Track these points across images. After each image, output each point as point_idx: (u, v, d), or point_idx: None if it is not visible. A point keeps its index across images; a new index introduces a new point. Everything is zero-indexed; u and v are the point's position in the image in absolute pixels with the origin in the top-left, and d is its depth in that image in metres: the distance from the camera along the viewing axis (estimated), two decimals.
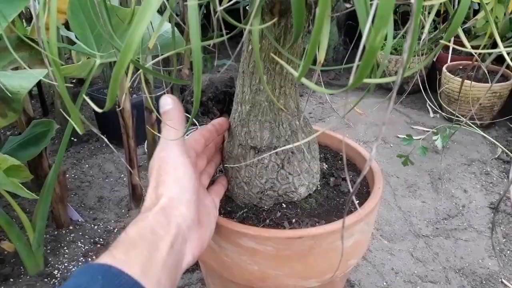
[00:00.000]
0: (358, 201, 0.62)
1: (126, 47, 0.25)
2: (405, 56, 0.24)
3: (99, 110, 0.30)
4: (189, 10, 0.27)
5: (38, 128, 0.92)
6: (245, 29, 0.33)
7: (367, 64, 0.24)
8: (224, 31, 0.39)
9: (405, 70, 0.28)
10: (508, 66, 1.97)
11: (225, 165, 0.61)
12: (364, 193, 0.65)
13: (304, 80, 0.30)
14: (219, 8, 0.27)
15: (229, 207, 0.60)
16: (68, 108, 0.32)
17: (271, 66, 0.52)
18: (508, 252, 1.05)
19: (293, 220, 0.56)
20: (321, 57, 0.38)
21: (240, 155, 0.59)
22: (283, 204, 0.59)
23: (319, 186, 0.63)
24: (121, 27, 0.74)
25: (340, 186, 0.65)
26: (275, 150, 0.56)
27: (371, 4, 0.28)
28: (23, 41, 0.81)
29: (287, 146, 0.49)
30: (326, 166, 0.69)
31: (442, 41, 0.31)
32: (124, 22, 0.74)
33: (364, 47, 0.25)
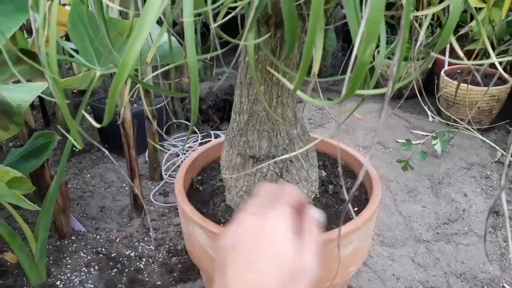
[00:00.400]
0: (356, 208, 0.63)
1: (123, 63, 0.26)
2: (395, 69, 0.25)
3: (97, 126, 0.31)
4: (185, 26, 0.28)
5: (40, 140, 0.93)
6: (241, 43, 0.34)
7: (357, 77, 0.25)
8: (218, 44, 0.40)
9: (396, 82, 0.28)
10: (505, 69, 1.98)
11: (224, 175, 0.62)
12: (362, 200, 0.66)
13: (299, 93, 0.31)
14: (213, 25, 0.28)
15: (229, 217, 0.60)
16: (68, 123, 0.33)
17: (268, 77, 0.53)
18: (509, 256, 1.05)
19: None
20: (315, 68, 0.39)
21: (239, 165, 0.59)
22: None
23: (318, 193, 0.64)
24: (120, 40, 0.75)
25: (339, 193, 0.66)
26: (274, 160, 0.57)
27: (362, 16, 0.29)
28: (24, 53, 0.82)
29: (285, 156, 0.49)
30: (325, 173, 0.70)
31: (433, 54, 0.32)
32: (123, 34, 0.76)
33: (355, 59, 0.26)
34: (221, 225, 0.56)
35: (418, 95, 0.89)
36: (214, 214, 0.61)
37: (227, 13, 0.39)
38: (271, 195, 0.47)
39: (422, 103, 1.76)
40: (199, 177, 0.71)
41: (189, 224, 0.57)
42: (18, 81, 0.84)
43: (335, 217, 0.60)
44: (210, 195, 0.66)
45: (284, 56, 0.47)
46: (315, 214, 0.46)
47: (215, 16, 0.35)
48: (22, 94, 0.72)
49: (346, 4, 0.30)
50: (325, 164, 0.74)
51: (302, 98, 0.30)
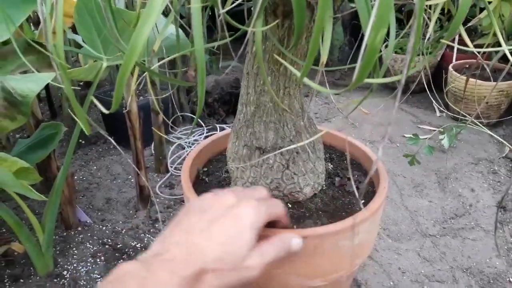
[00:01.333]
0: (363, 201, 0.62)
1: (130, 51, 0.26)
2: (409, 57, 0.25)
3: (106, 111, 0.31)
4: (193, 14, 0.28)
5: (46, 131, 0.94)
6: (248, 31, 0.34)
7: (368, 64, 0.24)
8: (227, 33, 0.40)
9: (409, 70, 0.28)
10: None
11: (231, 166, 0.62)
12: (369, 192, 0.66)
13: (306, 80, 0.30)
14: (222, 11, 0.28)
15: None
16: (75, 110, 0.33)
17: (275, 67, 0.53)
18: None
19: (299, 220, 0.57)
20: (323, 58, 0.38)
21: (246, 156, 0.59)
22: (288, 204, 0.60)
23: (324, 186, 0.64)
24: (127, 30, 0.74)
25: (346, 186, 0.66)
26: (280, 150, 0.56)
27: (372, 5, 0.28)
28: (30, 45, 0.83)
29: (292, 146, 0.49)
30: (332, 166, 0.70)
31: (443, 40, 0.31)
32: (130, 25, 0.75)
33: (366, 47, 0.25)
34: None
35: (427, 89, 0.88)
36: None
37: (233, 2, 0.39)
38: (261, 196, 0.48)
39: (430, 97, 1.75)
40: (205, 169, 0.71)
41: None
42: (25, 72, 0.85)
43: (342, 209, 0.60)
44: (216, 186, 0.66)
45: (292, 44, 0.46)
46: (294, 242, 0.45)
47: (223, 4, 0.35)
48: (29, 84, 0.73)
49: None
50: (331, 157, 0.73)
51: (310, 86, 0.30)
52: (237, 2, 0.30)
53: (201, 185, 0.67)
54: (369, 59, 0.23)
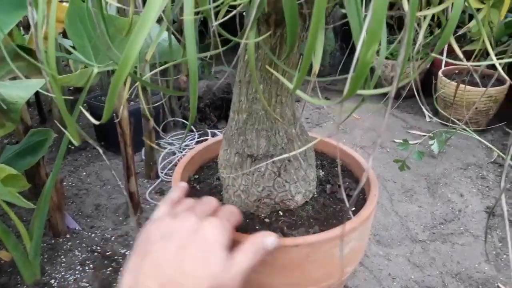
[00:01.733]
0: (354, 208, 0.62)
1: (123, 62, 0.25)
2: (399, 70, 0.25)
3: (96, 122, 0.30)
4: (185, 24, 0.28)
5: (35, 137, 0.93)
6: (241, 42, 0.34)
7: (359, 77, 0.24)
8: (219, 41, 0.40)
9: (399, 82, 0.28)
10: (503, 70, 1.99)
11: (222, 174, 0.62)
12: (360, 200, 0.66)
13: (299, 92, 0.30)
14: (214, 23, 0.28)
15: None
16: (65, 120, 0.32)
17: (267, 75, 0.53)
18: (504, 256, 1.06)
19: (291, 228, 0.57)
20: (315, 67, 0.38)
21: (237, 163, 0.59)
22: (280, 211, 0.60)
23: (315, 193, 0.64)
24: (118, 37, 0.74)
25: (337, 193, 0.66)
26: (272, 159, 0.56)
27: (365, 16, 0.28)
28: (21, 50, 0.82)
29: (284, 156, 0.49)
30: (323, 173, 0.70)
31: (432, 54, 0.32)
32: (121, 32, 0.75)
33: (357, 61, 0.25)
34: None
35: (416, 95, 0.89)
36: None
37: (227, 12, 0.39)
38: (205, 208, 0.48)
39: (420, 103, 1.76)
40: (196, 176, 0.71)
41: None
42: (14, 78, 0.84)
43: (333, 217, 0.60)
44: (207, 194, 0.65)
45: (284, 56, 0.46)
46: (269, 241, 0.45)
47: (215, 15, 0.35)
48: (19, 91, 0.72)
49: (347, 4, 0.30)
50: (323, 164, 0.74)
51: (302, 98, 0.30)
52: (230, 15, 0.30)
53: (192, 193, 0.66)
54: (361, 73, 0.23)
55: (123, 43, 0.77)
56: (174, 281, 0.37)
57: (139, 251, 0.41)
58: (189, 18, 0.28)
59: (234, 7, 0.34)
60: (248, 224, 0.58)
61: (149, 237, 0.42)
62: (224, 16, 0.31)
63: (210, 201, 0.50)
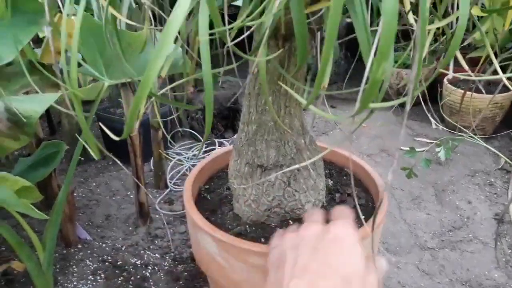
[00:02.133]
0: (364, 217, 0.63)
1: (144, 82, 0.27)
2: (411, 86, 0.26)
3: (116, 138, 0.32)
4: (201, 45, 0.29)
5: (48, 149, 0.94)
6: (252, 58, 0.35)
7: (371, 94, 0.26)
8: (233, 58, 0.41)
9: (413, 97, 0.29)
10: (509, 77, 1.99)
11: (233, 185, 0.63)
12: (369, 208, 0.67)
13: (312, 107, 0.31)
14: (229, 44, 0.29)
15: (237, 225, 0.61)
16: (85, 136, 0.34)
17: (276, 87, 0.54)
18: None
19: None
20: (324, 82, 0.40)
21: (247, 174, 0.60)
22: (290, 221, 0.60)
23: (325, 202, 0.65)
24: (129, 51, 0.76)
25: (346, 202, 0.67)
26: (282, 171, 0.57)
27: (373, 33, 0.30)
28: (32, 65, 0.84)
29: (293, 167, 0.50)
30: (332, 182, 0.71)
31: (439, 70, 0.33)
32: (132, 46, 0.77)
33: (367, 79, 0.27)
34: (229, 233, 0.57)
35: (422, 103, 0.90)
36: (222, 223, 0.62)
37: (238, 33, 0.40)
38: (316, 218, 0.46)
39: (426, 110, 1.77)
40: (207, 186, 0.72)
41: (198, 232, 0.58)
42: (27, 92, 0.86)
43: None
44: (218, 204, 0.67)
45: (294, 69, 0.48)
46: (382, 265, 0.44)
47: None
48: (33, 105, 0.74)
49: (354, 20, 0.31)
50: (331, 173, 0.75)
51: (315, 113, 0.31)
52: (243, 36, 0.32)
53: (203, 203, 0.67)
54: (372, 90, 0.24)
55: (133, 56, 0.79)
56: (320, 275, 0.36)
57: (273, 267, 0.40)
58: (204, 39, 0.29)
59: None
60: (258, 234, 0.59)
61: (280, 254, 0.41)
62: (236, 37, 0.32)
63: (314, 213, 0.49)
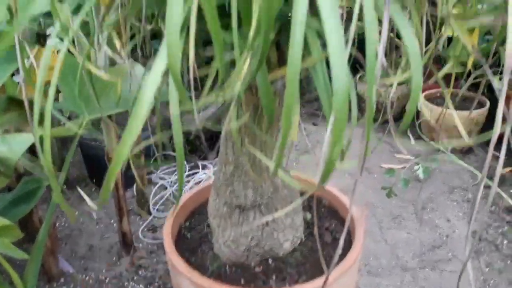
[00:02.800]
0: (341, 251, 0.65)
1: (118, 155, 0.28)
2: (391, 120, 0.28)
3: (95, 208, 0.33)
4: (173, 120, 0.31)
5: (28, 185, 0.94)
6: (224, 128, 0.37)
7: (327, 172, 0.27)
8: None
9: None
10: (483, 93, 2.05)
11: (213, 224, 0.64)
12: (346, 241, 0.68)
13: (280, 174, 0.33)
14: (197, 121, 0.31)
15: (217, 266, 0.62)
16: (58, 201, 0.35)
17: (251, 131, 0.56)
18: (492, 281, 1.08)
19: (280, 276, 0.59)
20: (293, 135, 0.42)
21: (226, 214, 0.61)
22: (269, 259, 0.62)
23: (303, 238, 0.66)
24: (104, 90, 0.78)
25: (324, 235, 0.68)
26: (264, 219, 0.59)
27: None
28: (12, 101, 0.84)
29: (269, 218, 0.51)
30: (310, 215, 0.72)
31: (397, 134, 0.35)
32: (107, 86, 0.79)
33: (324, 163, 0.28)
34: (207, 275, 0.58)
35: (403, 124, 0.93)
36: (202, 263, 0.63)
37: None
38: None
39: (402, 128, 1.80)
40: (187, 223, 0.73)
41: (177, 275, 0.59)
42: (6, 131, 0.86)
43: (319, 263, 0.63)
44: (198, 242, 0.68)
45: (264, 130, 0.49)
46: None
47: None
48: (12, 146, 0.74)
49: (315, 79, 0.33)
50: (310, 205, 0.76)
51: (283, 180, 0.33)
52: (212, 109, 0.33)
53: (183, 242, 0.68)
54: (328, 169, 0.26)
55: (109, 92, 0.83)
56: None
57: None
58: (176, 115, 0.30)
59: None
60: (238, 274, 0.60)
61: None
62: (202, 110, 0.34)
63: None
